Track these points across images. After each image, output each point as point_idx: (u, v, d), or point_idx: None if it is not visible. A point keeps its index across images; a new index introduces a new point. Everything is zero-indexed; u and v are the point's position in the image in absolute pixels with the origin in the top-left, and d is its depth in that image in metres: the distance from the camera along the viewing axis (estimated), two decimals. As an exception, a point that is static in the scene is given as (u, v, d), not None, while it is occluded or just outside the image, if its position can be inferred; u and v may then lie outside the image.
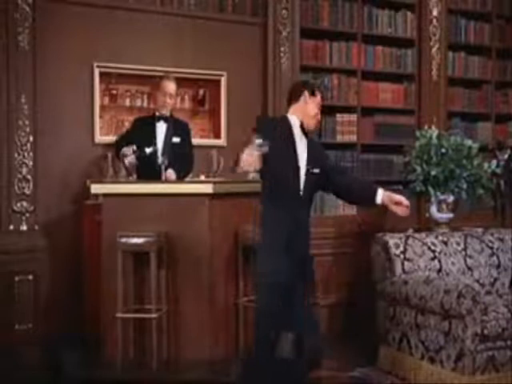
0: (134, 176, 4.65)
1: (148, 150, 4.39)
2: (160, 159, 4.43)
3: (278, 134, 3.37)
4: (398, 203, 3.41)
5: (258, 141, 3.12)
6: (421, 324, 3.85)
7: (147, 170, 4.44)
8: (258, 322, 3.33)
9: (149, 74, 5.08)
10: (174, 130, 4.64)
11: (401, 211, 3.41)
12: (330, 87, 5.67)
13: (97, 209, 4.38)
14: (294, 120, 3.49)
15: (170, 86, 4.59)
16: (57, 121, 4.82)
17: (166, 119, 4.64)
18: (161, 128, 4.62)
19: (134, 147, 4.34)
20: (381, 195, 3.44)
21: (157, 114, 4.65)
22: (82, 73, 4.89)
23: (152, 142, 4.55)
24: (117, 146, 4.56)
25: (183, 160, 4.60)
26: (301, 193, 3.41)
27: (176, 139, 4.63)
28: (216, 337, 4.00)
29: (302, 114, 3.50)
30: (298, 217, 3.38)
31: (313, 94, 3.54)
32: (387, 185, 5.61)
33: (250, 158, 3.10)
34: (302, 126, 3.49)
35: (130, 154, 4.34)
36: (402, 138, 5.66)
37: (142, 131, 4.56)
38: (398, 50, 5.94)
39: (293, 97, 3.56)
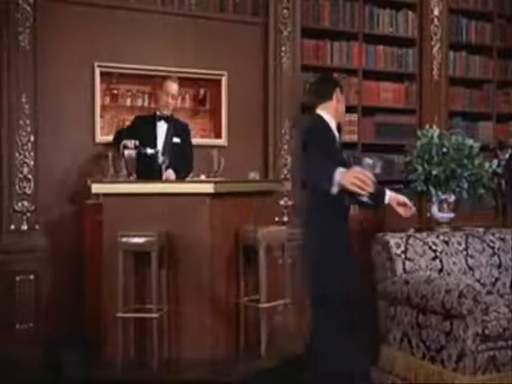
0: (134, 176, 4.66)
1: (149, 151, 4.40)
2: (160, 159, 4.43)
3: (329, 139, 3.26)
4: (401, 204, 3.41)
5: (369, 161, 2.98)
6: (422, 324, 3.84)
7: (147, 169, 4.44)
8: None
9: (150, 74, 5.09)
10: (175, 131, 4.65)
11: (404, 212, 3.42)
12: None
13: (97, 208, 4.37)
14: (331, 120, 3.37)
15: (173, 87, 4.60)
16: (58, 120, 4.82)
17: (166, 119, 4.64)
18: (162, 128, 4.63)
19: (137, 142, 4.35)
20: (389, 196, 3.42)
21: (158, 113, 4.66)
22: (82, 72, 4.89)
23: (153, 141, 4.55)
24: (115, 138, 4.57)
25: (183, 160, 4.60)
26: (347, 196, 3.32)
27: (176, 139, 4.64)
28: (217, 337, 4.00)
29: (335, 112, 3.40)
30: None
31: (341, 90, 3.47)
32: (388, 184, 5.65)
33: (368, 180, 2.82)
34: (338, 126, 3.42)
35: (131, 147, 4.35)
36: (403, 137, 5.66)
37: (142, 130, 4.56)
38: (399, 50, 5.95)
39: (324, 95, 3.40)
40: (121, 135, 4.54)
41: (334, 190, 2.88)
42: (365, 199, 2.95)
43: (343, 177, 2.83)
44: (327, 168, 2.92)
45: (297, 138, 3.48)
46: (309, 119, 3.52)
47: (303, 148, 3.18)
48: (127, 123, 5.00)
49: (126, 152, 4.37)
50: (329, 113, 3.37)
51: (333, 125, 3.36)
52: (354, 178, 2.81)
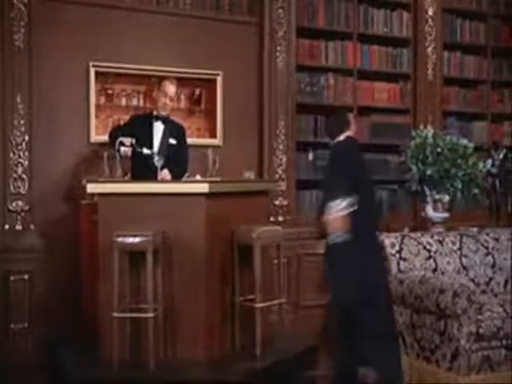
0: (129, 175, 4.65)
1: (146, 151, 4.39)
2: (156, 159, 4.43)
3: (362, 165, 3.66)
4: None
5: (344, 202, 3.28)
6: (416, 323, 3.85)
7: (142, 170, 4.44)
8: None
9: (145, 74, 5.08)
10: (171, 132, 4.64)
11: None
12: (326, 87, 5.69)
13: (93, 208, 4.37)
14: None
15: (171, 88, 4.59)
16: (52, 120, 4.80)
17: (163, 120, 4.63)
18: (158, 128, 4.61)
19: (133, 140, 4.34)
20: None
21: (155, 113, 4.65)
22: (77, 72, 4.88)
23: (149, 141, 4.54)
24: (111, 136, 4.56)
25: (178, 161, 4.59)
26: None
27: (172, 141, 4.63)
28: (212, 336, 4.00)
29: (355, 135, 3.79)
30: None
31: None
32: (383, 184, 5.67)
33: (342, 221, 3.28)
34: None
35: (127, 145, 4.34)
36: (397, 137, 5.67)
37: (139, 129, 4.54)
38: (394, 50, 5.96)
39: (345, 126, 3.73)
40: (116, 133, 4.53)
41: None
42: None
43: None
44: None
45: None
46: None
47: None
48: (122, 123, 4.99)
49: (122, 149, 4.36)
50: (352, 137, 3.72)
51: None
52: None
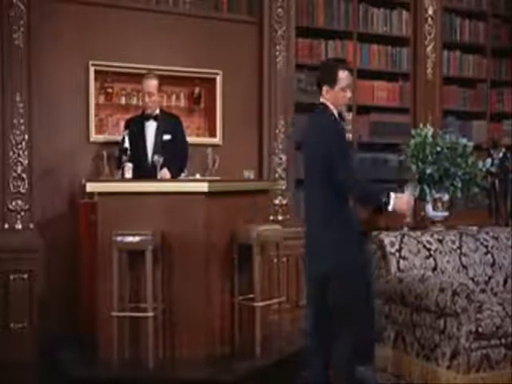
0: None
1: (126, 139, 4.34)
2: (154, 158, 4.42)
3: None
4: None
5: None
6: (416, 322, 3.85)
7: (141, 169, 4.43)
8: None
9: (144, 73, 5.07)
10: (165, 128, 4.61)
11: None
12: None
13: (92, 207, 4.37)
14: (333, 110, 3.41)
15: (150, 84, 4.56)
16: (52, 119, 4.80)
17: (155, 118, 4.62)
18: (151, 127, 4.60)
19: (124, 157, 4.32)
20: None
21: (145, 112, 4.64)
22: (77, 71, 4.88)
23: (143, 141, 4.52)
24: (117, 161, 4.56)
25: (177, 156, 4.57)
26: None
27: (167, 136, 4.61)
28: (211, 335, 4.00)
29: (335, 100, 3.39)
30: None
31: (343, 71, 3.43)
32: (382, 183, 5.66)
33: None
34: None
35: (127, 167, 4.30)
36: (397, 136, 5.67)
37: (132, 132, 4.53)
38: (393, 49, 5.97)
39: (324, 80, 3.37)
40: (120, 154, 4.47)
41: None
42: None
43: (399, 205, 3.31)
44: (378, 191, 3.35)
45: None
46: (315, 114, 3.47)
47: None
48: (122, 122, 4.98)
49: (128, 173, 4.33)
50: (328, 100, 3.37)
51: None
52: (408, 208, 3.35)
